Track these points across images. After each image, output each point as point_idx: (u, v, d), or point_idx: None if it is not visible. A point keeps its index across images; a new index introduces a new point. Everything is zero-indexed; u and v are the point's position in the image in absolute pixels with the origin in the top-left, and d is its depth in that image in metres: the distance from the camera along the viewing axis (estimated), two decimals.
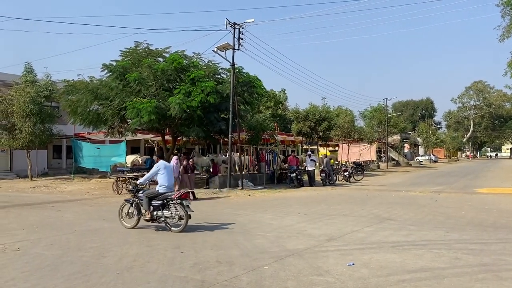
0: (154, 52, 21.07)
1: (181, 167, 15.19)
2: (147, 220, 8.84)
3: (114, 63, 20.06)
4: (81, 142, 25.26)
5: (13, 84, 24.95)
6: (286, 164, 23.64)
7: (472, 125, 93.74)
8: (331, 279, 5.24)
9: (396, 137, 54.98)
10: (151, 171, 9.21)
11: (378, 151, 48.84)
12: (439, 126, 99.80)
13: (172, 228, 8.62)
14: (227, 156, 20.72)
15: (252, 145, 23.79)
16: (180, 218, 8.55)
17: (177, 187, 14.91)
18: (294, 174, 20.76)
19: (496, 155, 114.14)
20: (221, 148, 31.60)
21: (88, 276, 5.49)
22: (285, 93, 54.51)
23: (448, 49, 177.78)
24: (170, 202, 8.67)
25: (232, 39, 19.70)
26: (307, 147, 39.55)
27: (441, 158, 77.36)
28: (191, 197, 15.26)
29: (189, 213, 8.59)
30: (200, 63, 21.47)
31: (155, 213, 8.73)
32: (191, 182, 15.56)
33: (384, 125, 45.47)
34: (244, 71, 21.11)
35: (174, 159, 15.31)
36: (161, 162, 9.15)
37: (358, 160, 33.88)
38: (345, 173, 24.14)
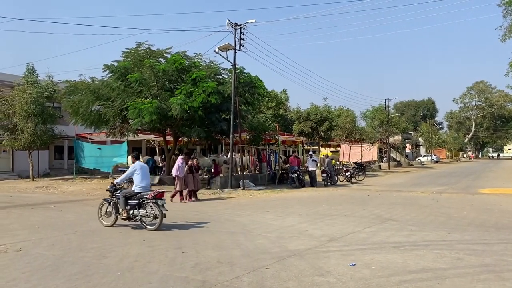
0: (155, 53, 21.12)
1: (186, 167, 15.17)
2: (124, 219, 9.14)
3: (116, 64, 20.12)
4: (83, 142, 25.28)
5: (15, 85, 24.99)
6: (288, 165, 23.63)
7: (473, 125, 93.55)
8: (333, 279, 5.24)
9: (398, 138, 54.92)
10: (127, 171, 9.48)
11: (380, 151, 48.81)
12: (440, 126, 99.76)
13: (148, 227, 8.89)
14: (229, 156, 20.72)
15: (253, 145, 23.79)
16: (155, 217, 8.84)
17: (177, 186, 14.94)
18: (296, 174, 20.74)
19: (498, 155, 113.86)
20: (222, 149, 31.61)
21: (89, 276, 5.50)
22: (287, 94, 54.55)
23: (450, 49, 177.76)
24: (146, 201, 8.94)
25: (234, 40, 19.71)
26: (309, 147, 39.57)
27: (442, 159, 77.24)
28: (193, 198, 15.35)
29: (163, 212, 8.87)
30: (202, 63, 21.52)
31: (131, 212, 9.04)
32: (197, 182, 15.55)
33: (385, 126, 45.43)
34: (245, 71, 21.14)
35: (179, 158, 15.35)
36: (137, 163, 9.44)
37: (360, 161, 33.86)
38: (347, 174, 24.12)
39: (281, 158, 25.85)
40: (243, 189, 19.06)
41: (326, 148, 43.42)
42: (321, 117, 32.88)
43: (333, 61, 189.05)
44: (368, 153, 40.80)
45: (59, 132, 26.20)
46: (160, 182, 20.14)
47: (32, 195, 18.02)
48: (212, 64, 21.78)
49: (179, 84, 19.59)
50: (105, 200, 9.69)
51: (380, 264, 5.94)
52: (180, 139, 23.00)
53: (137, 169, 9.24)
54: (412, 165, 54.19)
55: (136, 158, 9.73)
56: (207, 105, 18.82)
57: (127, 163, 21.83)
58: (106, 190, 9.96)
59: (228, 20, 19.65)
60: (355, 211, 11.79)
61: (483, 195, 16.40)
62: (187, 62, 20.25)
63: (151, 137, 26.64)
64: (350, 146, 36.54)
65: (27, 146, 23.83)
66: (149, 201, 8.89)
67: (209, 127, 20.40)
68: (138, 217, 9.00)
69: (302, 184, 20.82)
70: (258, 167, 23.39)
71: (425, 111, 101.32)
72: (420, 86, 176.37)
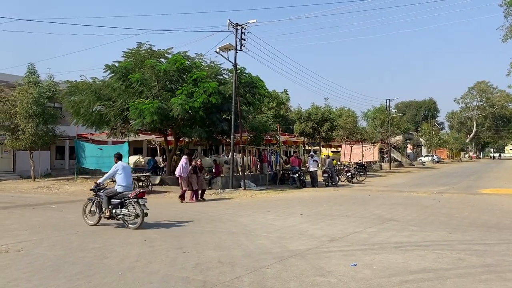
0: (156, 53, 21.13)
1: (190, 167, 15.17)
2: (107, 218, 9.37)
3: (117, 64, 20.13)
4: (84, 142, 25.28)
5: (16, 85, 25.02)
6: (289, 165, 23.62)
7: (475, 125, 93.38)
8: (334, 279, 5.23)
9: (399, 138, 54.85)
10: (109, 171, 9.68)
11: (381, 151, 48.74)
12: (442, 126, 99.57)
13: (130, 225, 9.13)
14: (230, 156, 20.72)
15: (254, 145, 23.79)
16: (137, 216, 9.07)
17: (182, 185, 14.93)
18: (297, 174, 20.74)
19: (500, 155, 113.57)
20: (223, 149, 31.61)
21: (90, 276, 5.50)
22: (288, 94, 54.63)
23: (451, 49, 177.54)
24: (128, 200, 9.19)
25: (235, 40, 19.71)
26: (310, 147, 39.53)
27: (444, 159, 77.14)
28: (200, 198, 15.39)
29: (145, 211, 9.07)
30: (203, 63, 21.53)
31: (114, 211, 9.29)
32: (201, 182, 15.55)
33: (386, 126, 45.38)
34: (246, 71, 21.15)
35: (183, 158, 15.38)
36: (119, 163, 9.66)
37: (361, 161, 33.82)
38: (348, 174, 24.11)
39: (282, 158, 25.85)
40: (244, 189, 19.06)
41: (327, 149, 43.38)
42: (322, 118, 32.85)
43: (334, 61, 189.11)
44: (369, 153, 40.72)
45: (60, 132, 26.22)
46: (162, 182, 20.15)
47: (33, 195, 18.05)
48: (213, 65, 21.79)
49: (180, 84, 19.60)
50: (89, 199, 9.97)
51: (381, 264, 5.93)
52: (181, 139, 23.02)
53: (119, 169, 9.51)
54: (414, 165, 54.12)
55: (118, 158, 9.91)
56: (208, 106, 18.82)
57: (128, 163, 21.85)
58: (90, 190, 10.25)
59: (229, 20, 19.67)
60: (356, 211, 11.78)
61: (484, 195, 16.37)
62: (188, 62, 20.25)
63: (152, 137, 26.65)
64: (351, 147, 36.50)
65: (28, 147, 23.86)
66: (130, 200, 9.13)
67: (210, 128, 20.40)
68: (120, 216, 9.25)
69: (303, 185, 20.82)
70: (259, 167, 23.39)
71: (426, 111, 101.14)
72: (422, 86, 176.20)
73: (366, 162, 35.66)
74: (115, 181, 9.69)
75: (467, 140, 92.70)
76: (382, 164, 45.47)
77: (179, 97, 17.90)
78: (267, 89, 24.61)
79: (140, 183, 18.10)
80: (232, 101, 19.28)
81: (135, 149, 32.00)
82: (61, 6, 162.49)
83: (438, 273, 5.45)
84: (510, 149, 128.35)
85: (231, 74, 20.78)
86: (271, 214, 11.32)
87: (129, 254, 6.77)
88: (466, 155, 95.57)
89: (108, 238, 8.17)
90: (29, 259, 6.54)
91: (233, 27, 19.80)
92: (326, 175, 21.70)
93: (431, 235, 8.11)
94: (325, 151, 42.07)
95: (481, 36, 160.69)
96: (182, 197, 14.76)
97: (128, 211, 9.16)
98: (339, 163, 32.13)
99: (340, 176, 24.06)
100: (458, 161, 76.13)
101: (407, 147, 66.50)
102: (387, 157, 48.58)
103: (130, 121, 19.78)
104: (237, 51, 19.68)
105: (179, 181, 15.15)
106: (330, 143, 38.81)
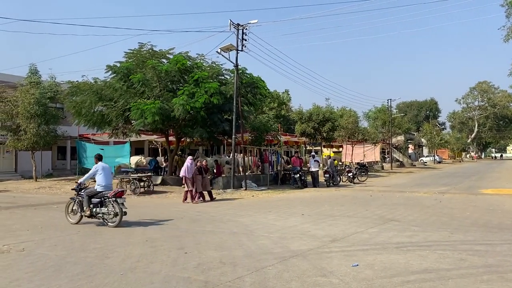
0: (158, 53, 21.14)
1: (195, 168, 15.17)
2: (88, 216, 9.69)
3: (118, 64, 20.16)
4: (85, 143, 25.28)
5: (18, 86, 25.09)
6: (290, 165, 23.61)
7: (476, 125, 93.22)
8: (335, 280, 5.23)
9: (400, 138, 54.81)
10: (90, 172, 9.98)
11: (382, 152, 48.69)
12: (443, 126, 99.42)
13: (109, 224, 9.46)
14: (231, 157, 20.73)
15: (255, 146, 23.80)
16: (116, 215, 9.38)
17: (187, 186, 14.91)
18: (298, 175, 20.73)
19: (501, 155, 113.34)
20: (224, 149, 31.62)
21: (92, 276, 5.51)
22: (289, 94, 54.55)
23: (452, 49, 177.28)
24: (107, 200, 9.53)
25: (236, 40, 19.73)
26: (311, 148, 39.50)
27: (445, 159, 77.00)
28: (209, 198, 15.42)
29: (124, 210, 9.40)
30: (204, 64, 21.53)
31: (94, 209, 9.61)
32: (206, 183, 15.57)
33: (388, 126, 45.33)
34: (247, 72, 21.14)
35: (188, 159, 15.38)
36: (99, 164, 9.95)
37: (362, 161, 33.80)
38: (349, 174, 24.08)
39: (283, 158, 25.84)
40: (245, 189, 19.07)
41: (329, 149, 43.34)
42: (323, 118, 32.81)
43: (336, 61, 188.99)
44: (370, 153, 40.71)
45: (62, 132, 26.28)
46: (163, 183, 20.16)
47: (35, 195, 18.07)
48: (214, 65, 21.80)
49: (181, 84, 19.61)
50: (71, 199, 10.25)
51: (383, 264, 5.93)
52: (182, 139, 23.03)
53: (99, 169, 9.82)
54: (415, 165, 54.04)
55: (98, 159, 10.12)
56: (210, 106, 18.83)
57: (130, 163, 21.88)
58: (72, 189, 10.43)
59: (231, 20, 19.69)
60: (358, 211, 11.77)
61: (486, 195, 16.34)
62: (190, 63, 20.26)
63: (153, 137, 26.66)
64: (353, 147, 36.48)
65: (30, 147, 23.91)
66: (110, 199, 9.45)
67: (212, 128, 20.40)
68: (100, 215, 9.55)
69: (304, 185, 20.81)
70: (260, 167, 23.39)
71: (427, 112, 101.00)
72: (423, 87, 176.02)
73: (367, 162, 35.63)
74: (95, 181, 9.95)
75: (469, 141, 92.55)
76: (384, 164, 45.42)
77: (181, 98, 17.91)
78: (268, 90, 24.60)
79: (142, 183, 18.11)
80: (234, 101, 19.29)
81: (137, 149, 32.03)
82: (62, 7, 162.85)
83: (440, 274, 5.45)
84: None
85: (232, 75, 20.78)
86: (273, 214, 11.32)
87: (130, 254, 6.77)
88: (468, 156, 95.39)
89: (109, 238, 8.18)
90: (31, 259, 6.55)
91: (234, 28, 19.81)
92: (328, 175, 21.69)
93: (432, 236, 8.10)
94: (326, 152, 42.02)
95: (482, 36, 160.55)
96: (193, 198, 14.76)
97: (108, 210, 9.47)
98: (340, 163, 32.11)
99: (341, 177, 24.04)
100: (460, 162, 76.00)
101: (409, 147, 66.42)
102: (388, 157, 48.53)
103: (132, 122, 19.79)
104: (238, 51, 19.69)
105: (183, 181, 15.16)
106: (331, 143, 38.74)
